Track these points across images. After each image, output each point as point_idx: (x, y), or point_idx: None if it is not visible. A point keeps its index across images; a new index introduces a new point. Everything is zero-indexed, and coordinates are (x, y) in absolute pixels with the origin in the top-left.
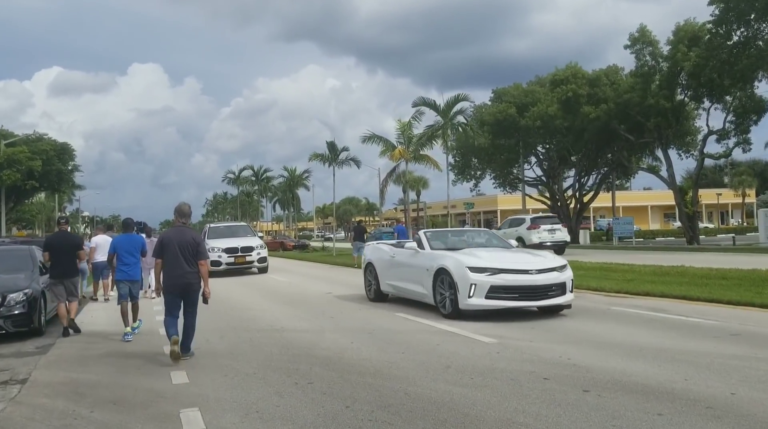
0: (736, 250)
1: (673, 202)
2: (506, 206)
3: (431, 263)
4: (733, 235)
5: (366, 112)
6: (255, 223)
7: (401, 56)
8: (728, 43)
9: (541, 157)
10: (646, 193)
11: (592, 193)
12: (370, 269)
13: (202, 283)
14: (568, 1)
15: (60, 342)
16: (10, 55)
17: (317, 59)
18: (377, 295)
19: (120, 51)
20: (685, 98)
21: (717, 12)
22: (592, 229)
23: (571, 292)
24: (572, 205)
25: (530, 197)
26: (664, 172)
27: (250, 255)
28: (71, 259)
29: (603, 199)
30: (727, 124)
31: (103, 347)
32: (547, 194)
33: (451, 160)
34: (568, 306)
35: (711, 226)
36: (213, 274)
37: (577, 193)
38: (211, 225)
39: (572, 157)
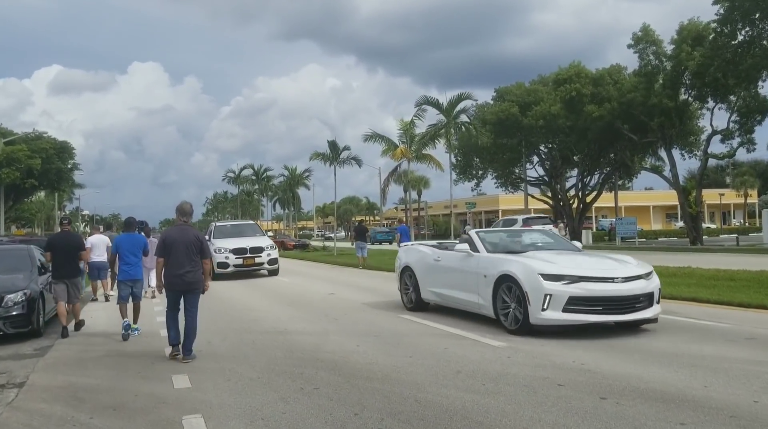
0: (740, 250)
1: (675, 203)
2: (508, 206)
3: (490, 269)
4: (737, 235)
5: (366, 112)
6: (256, 222)
7: (402, 55)
8: (733, 42)
9: (543, 156)
10: (647, 193)
11: (594, 193)
12: (408, 274)
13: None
14: (569, 0)
15: (59, 343)
16: (9, 54)
17: (317, 58)
18: (417, 304)
19: (120, 50)
20: (689, 98)
21: (722, 11)
22: (594, 229)
23: (658, 303)
24: (575, 205)
25: (532, 197)
26: (667, 172)
27: (260, 256)
28: (74, 259)
29: (605, 199)
30: (731, 124)
31: (103, 349)
32: (550, 194)
33: (453, 159)
34: (655, 320)
35: (713, 226)
36: (220, 277)
37: (580, 193)
38: (218, 223)
39: (575, 157)
